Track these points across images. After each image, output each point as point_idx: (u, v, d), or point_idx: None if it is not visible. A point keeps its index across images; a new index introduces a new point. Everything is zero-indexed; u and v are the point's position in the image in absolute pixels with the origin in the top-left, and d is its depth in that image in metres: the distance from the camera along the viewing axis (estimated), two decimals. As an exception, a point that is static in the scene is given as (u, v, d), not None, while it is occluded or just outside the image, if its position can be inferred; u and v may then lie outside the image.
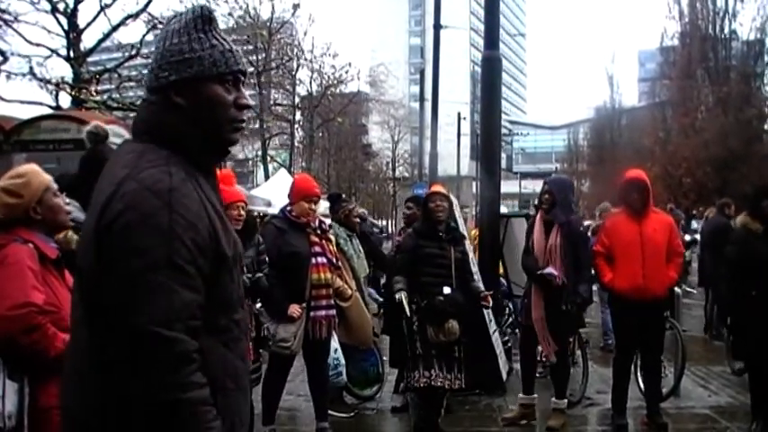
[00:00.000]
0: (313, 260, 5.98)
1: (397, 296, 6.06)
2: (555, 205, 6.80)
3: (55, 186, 3.40)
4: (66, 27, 19.29)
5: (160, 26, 21.28)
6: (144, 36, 21.44)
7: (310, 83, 41.70)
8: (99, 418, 1.84)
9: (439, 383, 6.07)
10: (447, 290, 6.08)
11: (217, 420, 1.84)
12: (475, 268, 8.06)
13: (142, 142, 1.98)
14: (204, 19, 2.02)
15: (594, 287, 11.19)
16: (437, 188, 6.78)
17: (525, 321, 7.02)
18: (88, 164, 4.39)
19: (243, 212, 5.36)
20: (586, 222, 13.83)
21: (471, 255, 8.24)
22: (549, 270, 6.63)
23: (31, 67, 19.41)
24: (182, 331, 1.77)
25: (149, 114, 2.02)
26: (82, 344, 1.90)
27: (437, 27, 23.85)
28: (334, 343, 6.65)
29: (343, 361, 6.86)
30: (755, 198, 6.44)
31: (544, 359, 7.20)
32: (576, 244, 6.76)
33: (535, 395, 7.09)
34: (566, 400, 7.03)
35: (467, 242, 7.41)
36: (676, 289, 7.88)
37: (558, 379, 7.00)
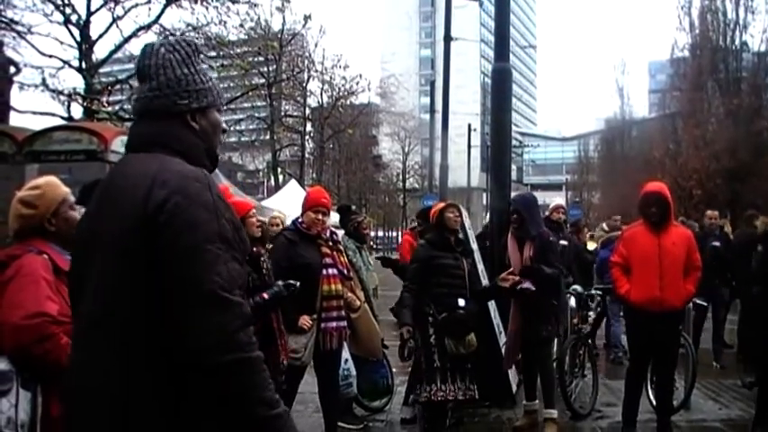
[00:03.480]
0: (324, 271, 5.98)
1: (403, 331, 6.17)
2: (524, 222, 7.07)
3: (72, 199, 3.44)
4: (78, 38, 19.41)
5: (172, 38, 21.37)
6: (155, 48, 21.54)
7: (321, 94, 41.99)
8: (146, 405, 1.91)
9: (459, 397, 6.11)
10: (462, 301, 6.10)
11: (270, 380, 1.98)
12: (485, 280, 8.06)
13: (150, 153, 2.11)
14: (199, 52, 2.28)
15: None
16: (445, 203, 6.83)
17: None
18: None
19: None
20: (597, 233, 13.80)
21: (481, 266, 8.24)
22: (526, 285, 6.76)
23: (43, 78, 19.52)
24: (240, 297, 1.94)
25: (158, 128, 2.15)
26: (109, 343, 1.94)
27: (447, 39, 23.89)
28: (345, 354, 6.66)
29: (353, 372, 6.86)
30: None
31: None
32: (545, 253, 7.00)
33: (536, 401, 7.16)
34: (555, 410, 7.07)
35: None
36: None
37: (546, 389, 7.07)
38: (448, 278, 6.19)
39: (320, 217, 6.11)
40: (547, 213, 8.23)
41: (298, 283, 5.36)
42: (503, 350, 7.93)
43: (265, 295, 5.12)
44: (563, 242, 8.92)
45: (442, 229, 6.40)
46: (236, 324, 1.88)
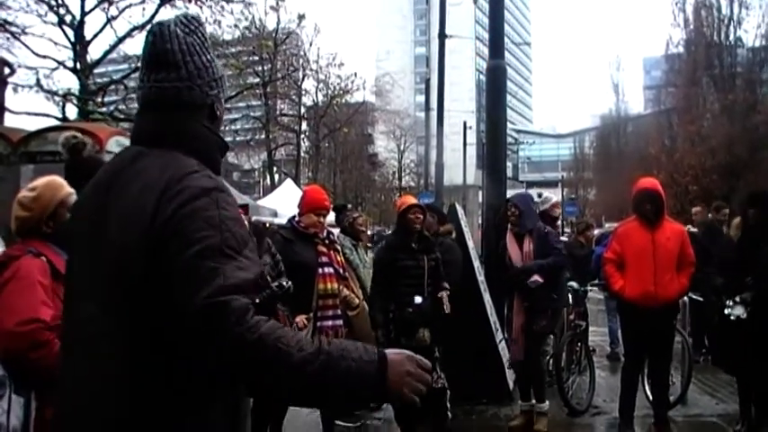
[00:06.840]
0: (320, 270, 5.98)
1: (377, 333, 6.17)
2: (521, 215, 7.08)
3: (73, 201, 3.39)
4: (72, 39, 19.37)
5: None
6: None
7: (316, 93, 42.01)
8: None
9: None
10: (418, 299, 6.14)
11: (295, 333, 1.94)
12: (481, 277, 8.08)
13: (161, 149, 2.04)
14: (204, 27, 2.22)
15: (602, 296, 11.22)
16: (412, 200, 6.75)
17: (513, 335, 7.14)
18: (77, 172, 4.43)
19: None
20: (596, 231, 13.80)
21: (477, 263, 8.24)
22: (534, 279, 6.86)
23: (38, 79, 19.49)
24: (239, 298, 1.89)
25: (178, 123, 2.08)
26: (112, 348, 1.90)
27: (442, 36, 23.90)
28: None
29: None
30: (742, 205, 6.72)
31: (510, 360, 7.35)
32: (545, 245, 7.01)
33: (533, 401, 7.15)
34: (547, 403, 7.11)
35: None
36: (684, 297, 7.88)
37: (536, 383, 7.12)
38: (408, 278, 6.20)
39: (321, 219, 6.13)
40: (545, 208, 8.19)
41: (290, 283, 5.35)
42: (500, 347, 7.94)
43: (257, 299, 5.10)
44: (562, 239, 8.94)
45: (403, 230, 6.40)
46: (232, 320, 1.84)
